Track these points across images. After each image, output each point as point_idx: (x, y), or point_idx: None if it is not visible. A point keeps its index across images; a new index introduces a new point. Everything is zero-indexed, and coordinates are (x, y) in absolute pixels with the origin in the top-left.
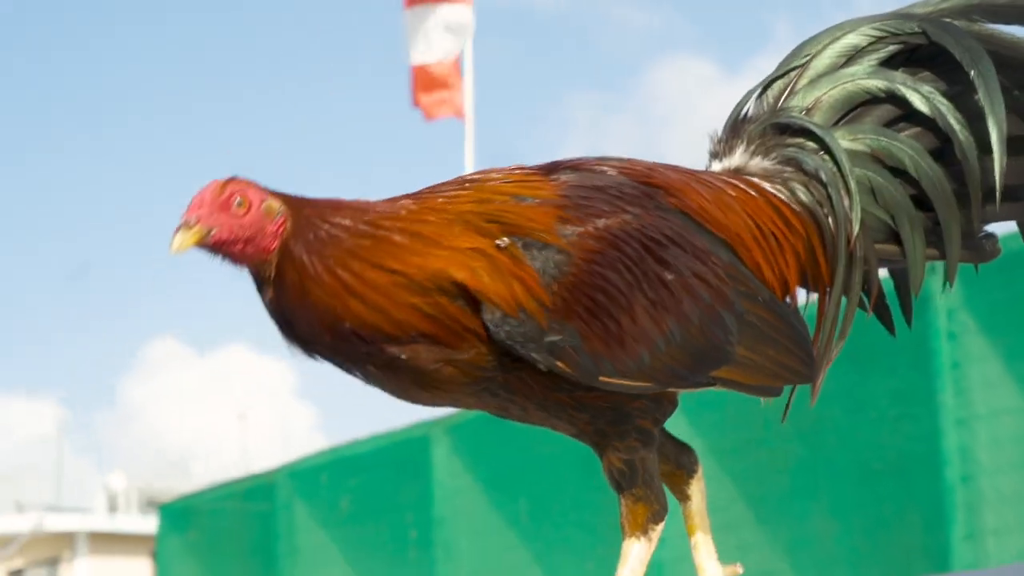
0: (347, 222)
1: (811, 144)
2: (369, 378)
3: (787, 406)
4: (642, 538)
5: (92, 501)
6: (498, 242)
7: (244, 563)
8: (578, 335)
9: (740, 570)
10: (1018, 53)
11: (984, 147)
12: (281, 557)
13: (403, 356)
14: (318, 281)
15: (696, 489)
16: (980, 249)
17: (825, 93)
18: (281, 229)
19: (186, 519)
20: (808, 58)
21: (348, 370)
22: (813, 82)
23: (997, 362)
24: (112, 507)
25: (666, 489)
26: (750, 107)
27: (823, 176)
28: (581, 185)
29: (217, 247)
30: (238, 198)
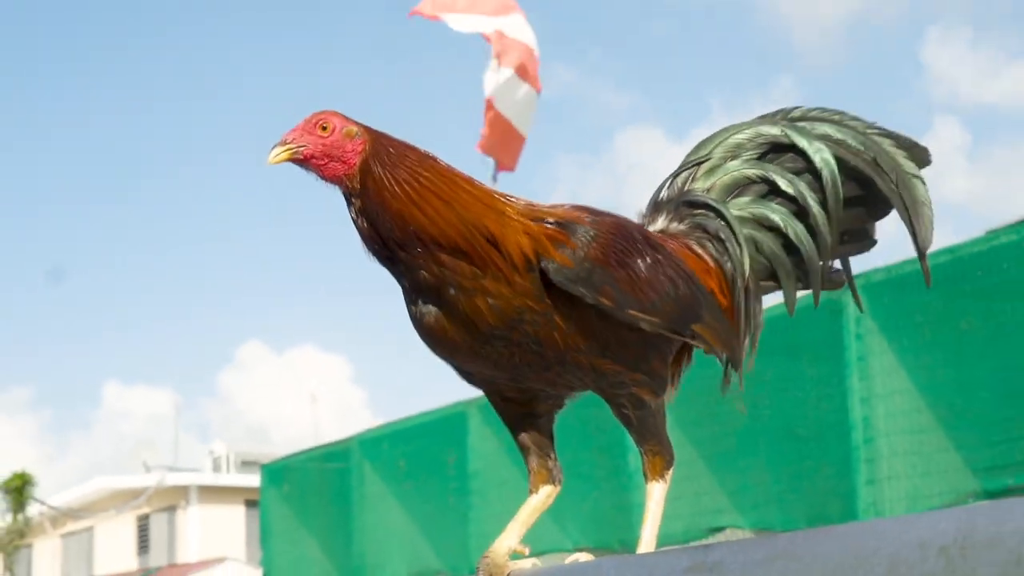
0: (415, 157)
1: (711, 214)
2: (422, 295)
3: (726, 379)
4: (660, 481)
5: (200, 462)
6: (548, 223)
7: (326, 510)
8: (612, 278)
9: (526, 551)
10: (845, 144)
11: (829, 209)
12: (354, 505)
13: (448, 265)
14: (391, 192)
15: (548, 491)
16: (832, 280)
17: (718, 179)
18: (361, 148)
19: (281, 476)
20: (706, 154)
21: (411, 280)
22: (709, 172)
23: (891, 356)
24: (215, 467)
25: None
26: (665, 190)
27: (721, 235)
28: (589, 207)
29: (306, 162)
30: (323, 123)
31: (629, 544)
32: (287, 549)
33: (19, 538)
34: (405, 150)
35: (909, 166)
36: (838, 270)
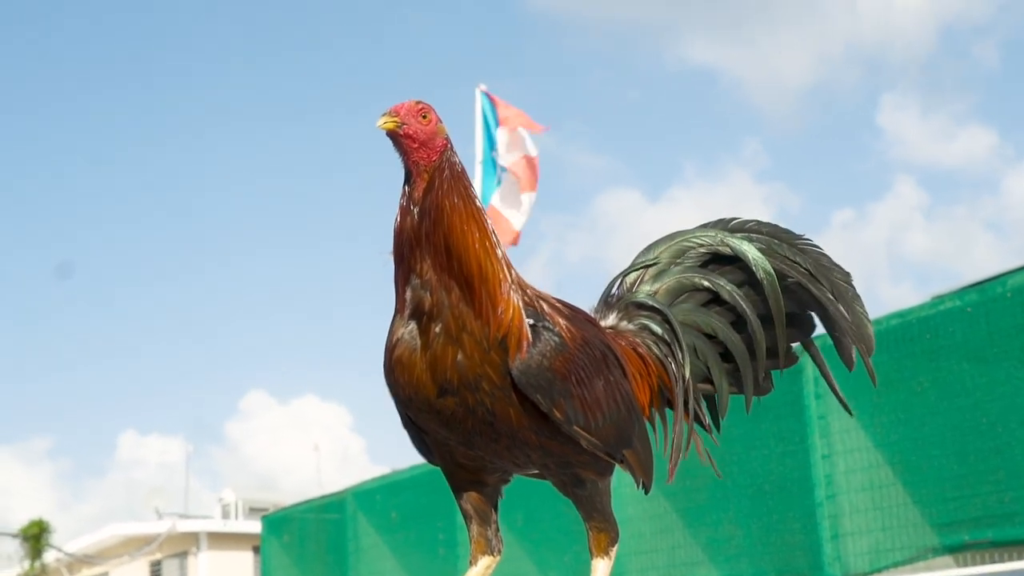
0: (470, 185)
1: (658, 317)
2: (413, 318)
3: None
4: (605, 558)
5: (210, 509)
6: (528, 320)
7: (323, 558)
8: (569, 393)
9: None
10: (782, 257)
11: (765, 320)
12: (349, 554)
13: (453, 300)
14: (450, 202)
15: (487, 562)
16: (761, 386)
17: (664, 284)
18: (443, 147)
19: (281, 526)
20: (654, 257)
21: (413, 296)
22: (657, 276)
23: (849, 415)
24: (225, 514)
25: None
26: (615, 289)
27: (666, 338)
28: (572, 305)
29: (403, 138)
30: (424, 112)
31: None
32: None
33: None
34: (465, 173)
35: (841, 280)
36: (767, 375)
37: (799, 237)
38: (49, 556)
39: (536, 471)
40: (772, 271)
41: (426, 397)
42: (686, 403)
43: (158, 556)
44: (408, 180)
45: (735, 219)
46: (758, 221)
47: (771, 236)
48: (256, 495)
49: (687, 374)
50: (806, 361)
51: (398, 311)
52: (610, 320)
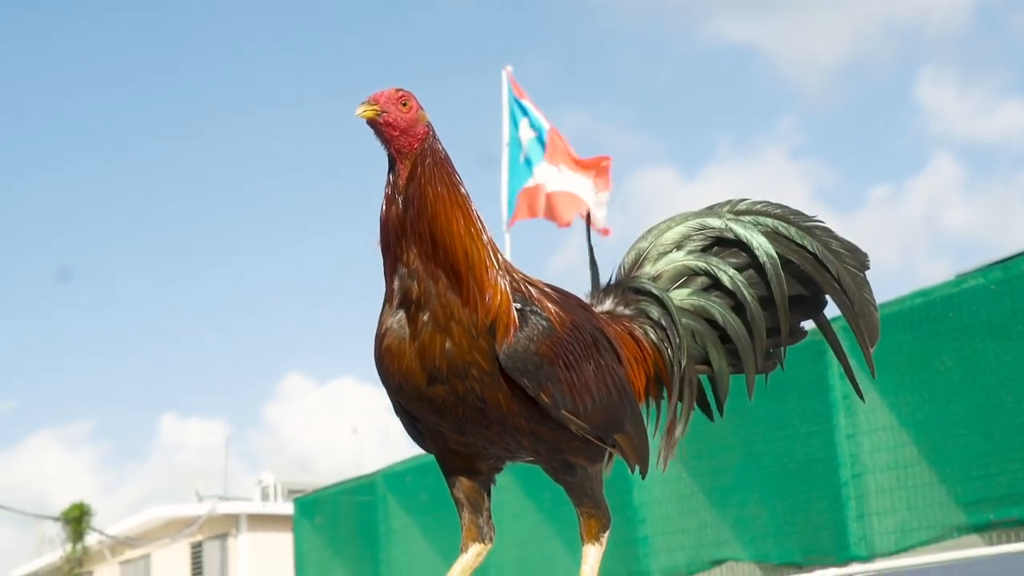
0: (455, 172)
1: (655, 302)
2: (401, 307)
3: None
4: (596, 544)
5: (249, 492)
6: (516, 305)
7: (354, 540)
8: (556, 377)
9: None
10: (789, 242)
11: (767, 304)
12: (380, 536)
13: (440, 289)
14: (434, 190)
15: (477, 549)
16: (768, 364)
17: (664, 268)
18: (424, 135)
19: (313, 508)
20: (652, 243)
21: (401, 285)
22: (656, 260)
23: (874, 394)
24: (264, 496)
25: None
26: (613, 275)
27: (664, 323)
28: (564, 290)
29: (383, 126)
30: (405, 100)
31: (637, 575)
32: None
33: (78, 566)
34: (448, 160)
35: (851, 265)
36: (769, 355)
37: (809, 219)
38: (91, 539)
39: (529, 457)
40: (776, 256)
41: (416, 385)
42: (681, 388)
43: (199, 538)
44: (392, 168)
45: (744, 200)
46: (767, 202)
47: (779, 219)
48: (295, 477)
49: (684, 359)
50: (827, 345)
51: (387, 300)
52: (607, 305)
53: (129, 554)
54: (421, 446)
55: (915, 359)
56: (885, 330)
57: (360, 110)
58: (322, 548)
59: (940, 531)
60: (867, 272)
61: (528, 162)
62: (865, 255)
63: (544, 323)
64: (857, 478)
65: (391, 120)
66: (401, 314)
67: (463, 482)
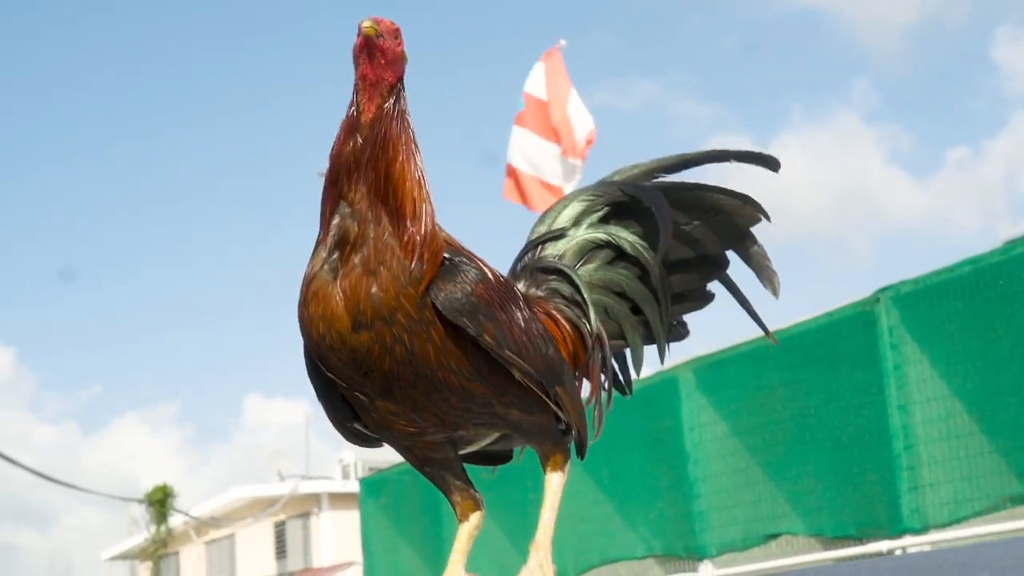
0: (410, 126)
1: (565, 279)
2: (336, 247)
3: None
4: (559, 472)
5: (331, 471)
6: (446, 255)
7: (418, 519)
8: (495, 318)
9: None
10: (680, 203)
11: (672, 267)
12: (444, 515)
13: (378, 230)
14: (392, 131)
15: (475, 516)
16: (676, 332)
17: (566, 247)
18: (400, 74)
19: (378, 487)
20: (550, 224)
21: (340, 222)
22: (556, 240)
23: (926, 364)
24: (345, 475)
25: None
26: (520, 259)
27: (576, 299)
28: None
29: (375, 51)
30: (398, 34)
31: (694, 551)
32: (386, 557)
33: (163, 547)
34: (408, 116)
35: (742, 222)
36: (680, 322)
37: (700, 184)
38: (175, 520)
39: (461, 431)
40: (669, 220)
41: (340, 332)
42: (603, 365)
43: (281, 517)
44: (356, 100)
45: (635, 165)
46: (660, 165)
47: (671, 183)
48: (374, 455)
49: (597, 333)
50: (880, 311)
51: (320, 241)
52: (520, 288)
53: (214, 534)
54: (344, 435)
55: (965, 328)
56: (934, 300)
57: (367, 24)
58: (388, 527)
59: (994, 501)
60: (764, 220)
61: None
62: (758, 204)
63: (476, 271)
64: (910, 449)
65: (385, 46)
66: (336, 255)
67: (443, 473)
